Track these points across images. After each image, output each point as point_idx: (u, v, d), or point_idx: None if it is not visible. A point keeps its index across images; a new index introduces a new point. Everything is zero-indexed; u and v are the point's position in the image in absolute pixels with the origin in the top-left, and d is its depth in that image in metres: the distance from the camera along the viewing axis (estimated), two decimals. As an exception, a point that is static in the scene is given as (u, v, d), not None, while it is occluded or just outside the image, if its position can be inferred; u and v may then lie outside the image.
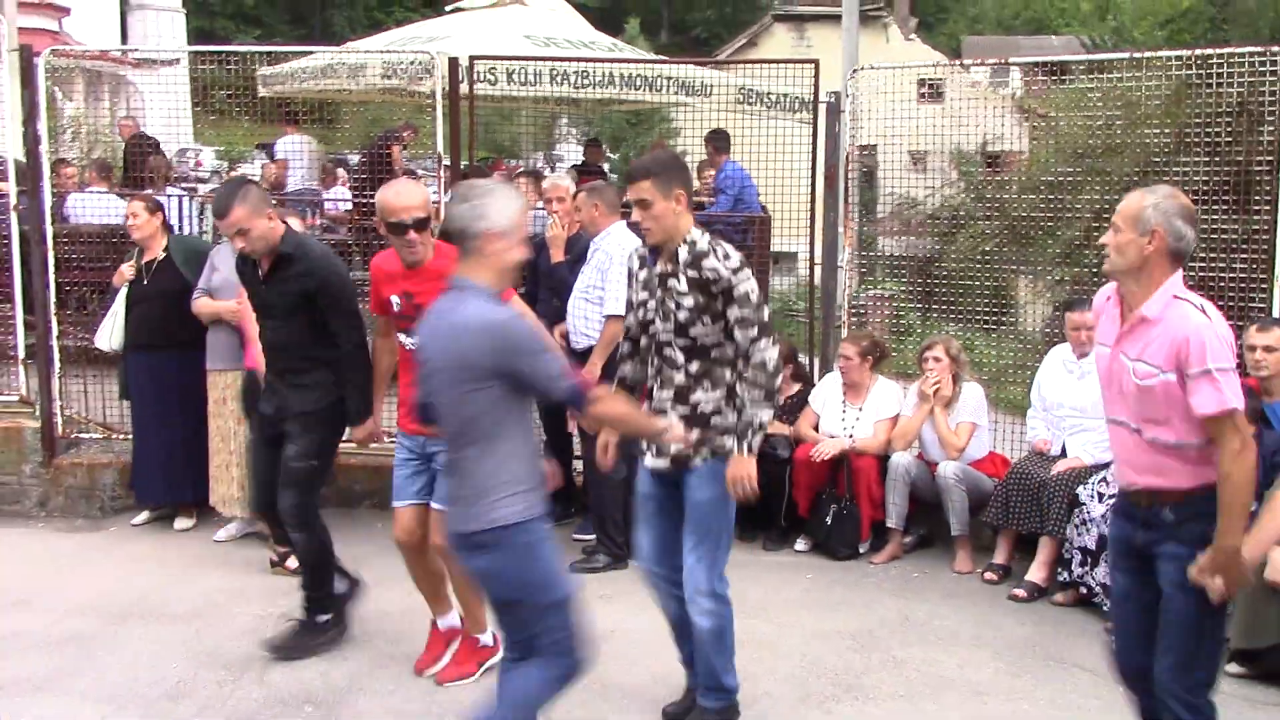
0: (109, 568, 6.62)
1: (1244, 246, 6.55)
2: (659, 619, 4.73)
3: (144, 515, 7.42)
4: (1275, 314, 6.19)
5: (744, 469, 4.25)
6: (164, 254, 7.01)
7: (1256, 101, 6.70)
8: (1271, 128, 6.54)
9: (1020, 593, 6.17)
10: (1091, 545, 5.82)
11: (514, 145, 18.62)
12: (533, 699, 3.75)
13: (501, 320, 3.59)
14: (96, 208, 9.93)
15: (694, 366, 4.32)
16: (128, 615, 5.88)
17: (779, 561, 6.80)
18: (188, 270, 6.87)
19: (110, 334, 7.16)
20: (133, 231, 7.03)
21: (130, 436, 7.41)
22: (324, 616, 5.41)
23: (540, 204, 7.61)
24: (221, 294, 6.56)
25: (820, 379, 7.51)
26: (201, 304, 6.70)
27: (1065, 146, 9.10)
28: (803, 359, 7.93)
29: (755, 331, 4.24)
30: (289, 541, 5.60)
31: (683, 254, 4.30)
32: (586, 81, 9.78)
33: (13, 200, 7.92)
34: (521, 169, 13.65)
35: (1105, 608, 5.56)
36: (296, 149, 11.48)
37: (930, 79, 9.54)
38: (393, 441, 5.38)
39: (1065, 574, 6.01)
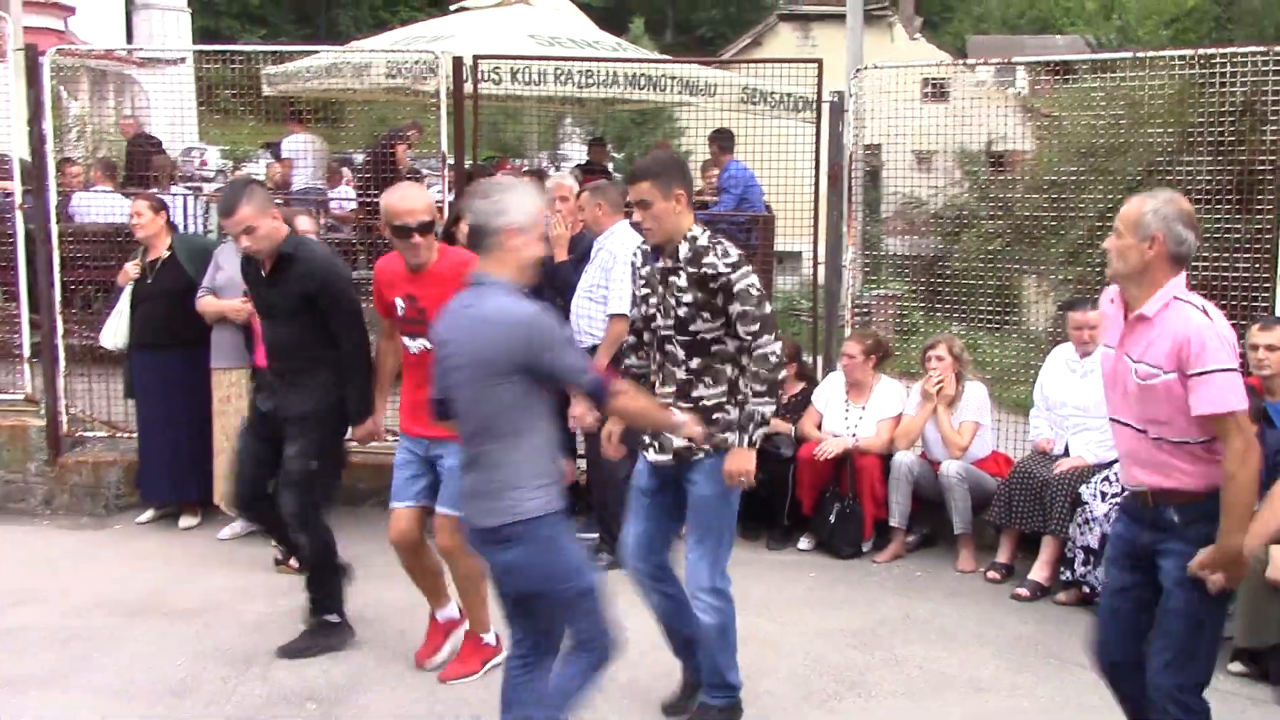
0: (114, 565, 6.65)
1: (1247, 246, 6.55)
2: (658, 617, 4.75)
3: (149, 513, 7.44)
4: (1278, 313, 6.19)
5: (743, 462, 4.27)
6: (168, 253, 7.02)
7: (1260, 101, 6.71)
8: (1275, 127, 6.54)
9: (1023, 592, 6.17)
10: (1094, 544, 5.82)
11: (519, 145, 18.65)
12: (571, 691, 3.80)
13: (527, 314, 3.62)
14: (101, 207, 9.96)
15: (695, 362, 4.34)
16: (132, 612, 5.90)
17: (782, 560, 6.81)
18: (192, 269, 6.88)
19: (115, 333, 7.18)
20: (137, 230, 7.05)
21: (135, 435, 7.43)
22: (332, 616, 5.43)
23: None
24: (226, 293, 6.57)
25: (824, 378, 7.52)
26: (206, 303, 6.71)
27: (1070, 146, 9.10)
28: (806, 358, 7.94)
29: (757, 326, 4.24)
30: (278, 537, 5.59)
31: (683, 250, 4.32)
32: (591, 81, 9.79)
33: (18, 199, 7.94)
34: (526, 168, 13.67)
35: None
36: (302, 148, 11.50)
37: (935, 78, 9.55)
38: (395, 440, 5.38)
39: (1068, 573, 6.02)
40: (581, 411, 4.57)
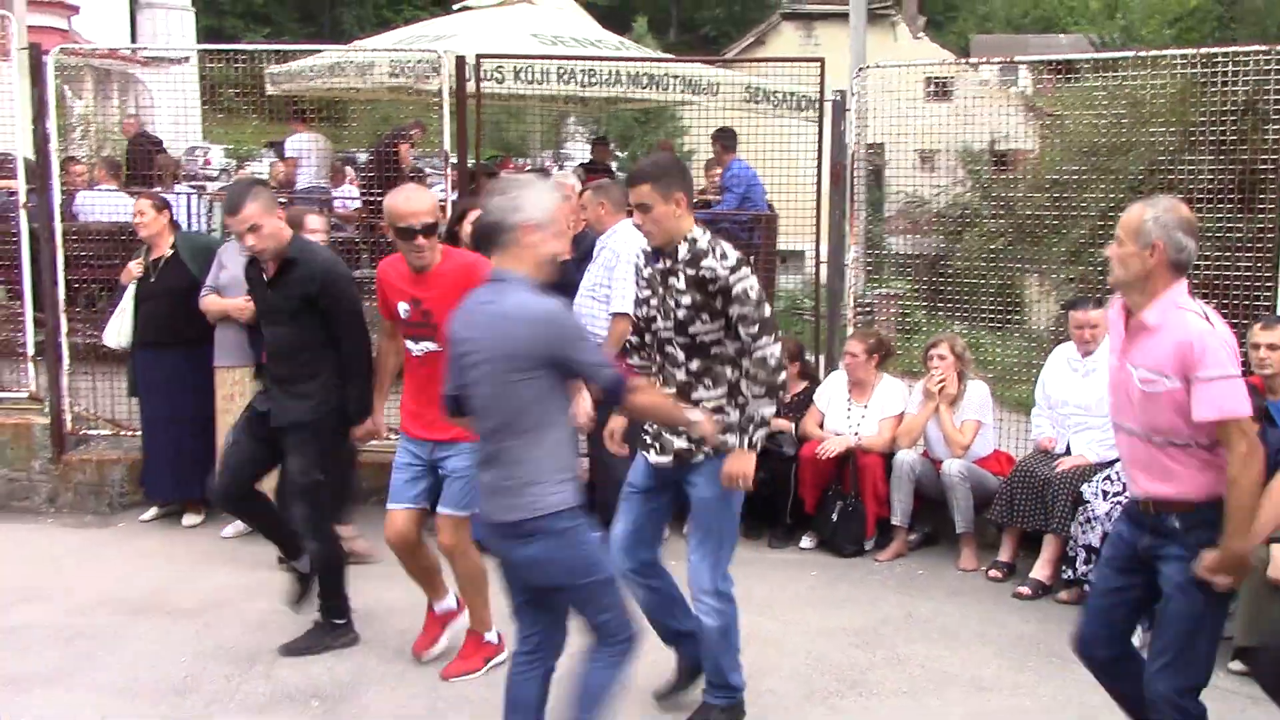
0: (117, 563, 6.66)
1: (1249, 245, 6.56)
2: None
3: (152, 511, 7.45)
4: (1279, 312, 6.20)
5: (743, 464, 4.27)
6: (171, 251, 7.03)
7: (1262, 100, 6.71)
8: (1277, 126, 6.54)
9: (1024, 590, 6.18)
10: (1096, 543, 5.82)
11: (522, 144, 18.67)
12: (605, 688, 3.82)
13: (551, 309, 3.67)
14: (105, 206, 9.98)
15: (694, 364, 4.34)
16: (136, 610, 5.91)
17: (784, 559, 6.82)
18: (195, 267, 6.90)
19: (118, 331, 7.20)
20: (140, 229, 7.06)
21: (139, 433, 7.45)
22: (341, 620, 5.45)
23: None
24: (229, 291, 6.59)
25: (826, 377, 7.52)
26: (209, 301, 6.73)
27: (1072, 145, 9.10)
28: (809, 357, 7.95)
29: (756, 328, 4.24)
30: (263, 533, 5.59)
31: (682, 252, 4.33)
32: (593, 80, 9.80)
33: (22, 198, 7.96)
34: (529, 167, 13.69)
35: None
36: (306, 147, 11.51)
37: (938, 78, 9.55)
38: (396, 439, 5.39)
39: (1069, 572, 6.02)
40: (574, 412, 4.57)
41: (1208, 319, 3.60)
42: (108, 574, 6.47)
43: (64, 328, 7.76)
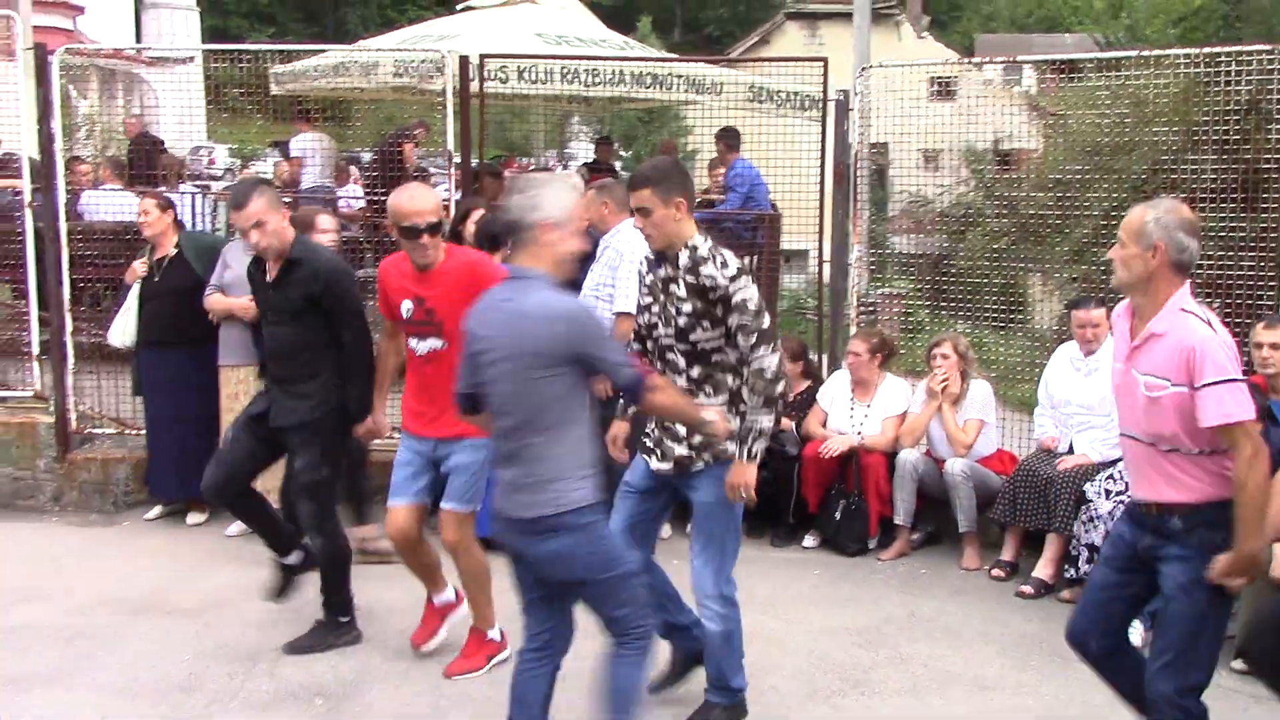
0: (122, 562, 6.68)
1: (1252, 244, 6.56)
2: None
3: (157, 510, 7.47)
4: (1282, 312, 6.20)
5: (744, 475, 4.27)
6: (175, 251, 7.05)
7: (1266, 100, 6.71)
8: (1281, 126, 6.55)
9: (1027, 589, 6.19)
10: (1098, 542, 5.83)
11: (526, 143, 18.69)
12: (635, 688, 3.84)
13: (574, 307, 3.71)
14: (110, 205, 10.00)
15: (695, 371, 4.34)
16: (140, 609, 5.93)
17: (787, 558, 6.83)
18: (199, 266, 6.91)
19: (123, 330, 7.22)
20: (144, 229, 7.08)
21: (143, 432, 7.47)
22: (345, 617, 5.47)
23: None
24: (233, 290, 6.60)
25: (829, 376, 7.53)
26: (214, 300, 6.74)
27: (1075, 145, 9.10)
28: (812, 356, 7.95)
29: (754, 339, 4.23)
30: (255, 529, 5.60)
31: (683, 259, 4.32)
32: (597, 80, 9.80)
33: (27, 197, 7.98)
34: (533, 167, 13.70)
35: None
36: (310, 147, 11.53)
37: (942, 77, 9.56)
38: (398, 438, 5.40)
39: (1072, 570, 6.02)
40: None
41: (1210, 325, 3.62)
42: (112, 572, 6.48)
43: (69, 327, 7.78)
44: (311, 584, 5.52)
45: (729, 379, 4.35)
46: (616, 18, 26.16)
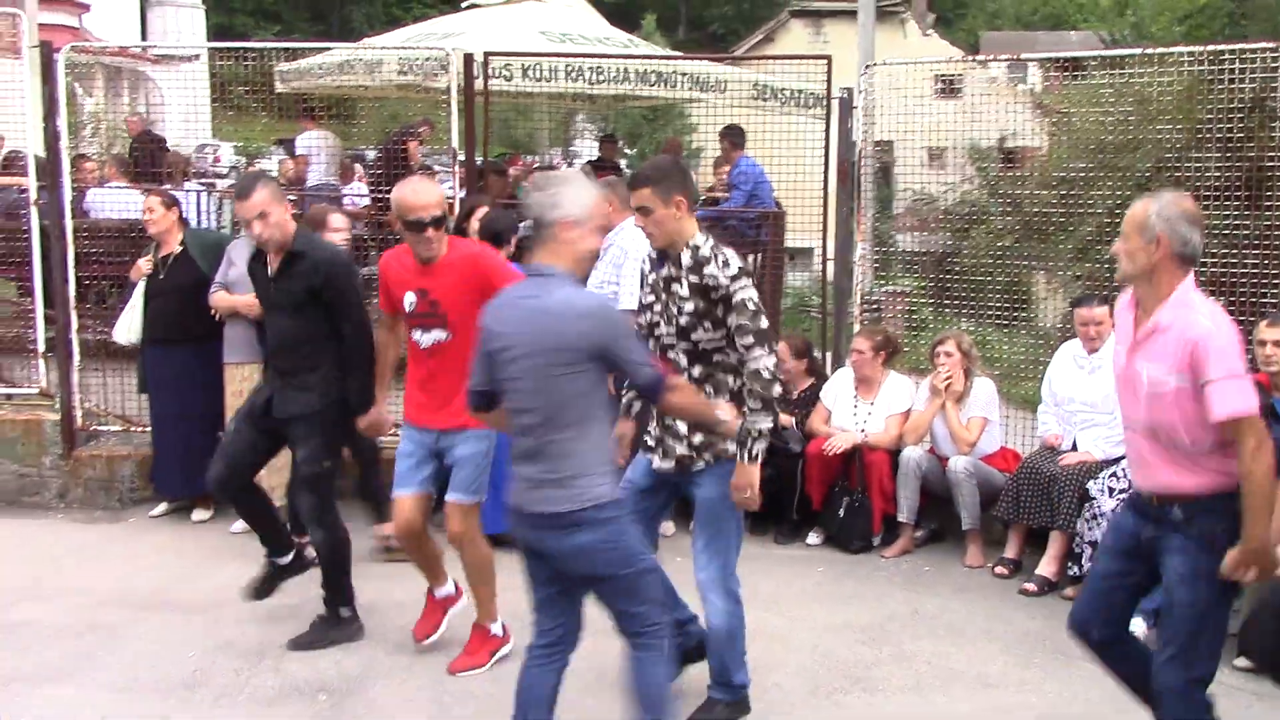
0: (127, 559, 6.70)
1: (1256, 242, 6.56)
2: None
3: (162, 507, 7.49)
4: (1286, 309, 6.19)
5: (747, 477, 4.28)
6: (180, 248, 7.06)
7: (1270, 97, 6.71)
8: (1285, 124, 6.55)
9: (1030, 587, 6.19)
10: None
11: (530, 141, 18.69)
12: (662, 682, 3.86)
13: (600, 303, 3.78)
14: (116, 203, 10.02)
15: (696, 371, 4.35)
16: (145, 605, 5.95)
17: (790, 555, 6.83)
18: (204, 264, 6.93)
19: (128, 328, 7.23)
20: (149, 226, 7.09)
21: (148, 429, 7.49)
22: (347, 611, 5.49)
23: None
24: (238, 288, 6.62)
25: (833, 374, 7.53)
26: (219, 298, 6.76)
27: (1080, 143, 9.10)
28: (816, 354, 7.95)
29: (751, 339, 4.23)
30: (253, 525, 5.63)
31: (685, 259, 4.34)
32: (601, 78, 9.81)
33: (33, 195, 8.00)
34: (537, 165, 13.71)
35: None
36: (316, 145, 11.55)
37: (947, 75, 9.55)
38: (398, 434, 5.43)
39: (1075, 568, 6.03)
40: None
41: (1214, 318, 3.64)
42: (117, 569, 6.50)
43: (74, 324, 7.80)
44: (312, 581, 5.53)
45: (730, 379, 4.36)
46: (621, 15, 26.12)
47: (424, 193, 4.86)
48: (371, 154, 12.79)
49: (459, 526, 4.98)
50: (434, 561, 5.29)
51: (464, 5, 12.54)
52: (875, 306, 8.05)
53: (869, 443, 6.85)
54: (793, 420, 7.11)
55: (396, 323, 5.16)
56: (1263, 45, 6.66)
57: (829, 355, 8.09)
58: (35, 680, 5.08)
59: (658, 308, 4.44)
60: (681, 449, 4.40)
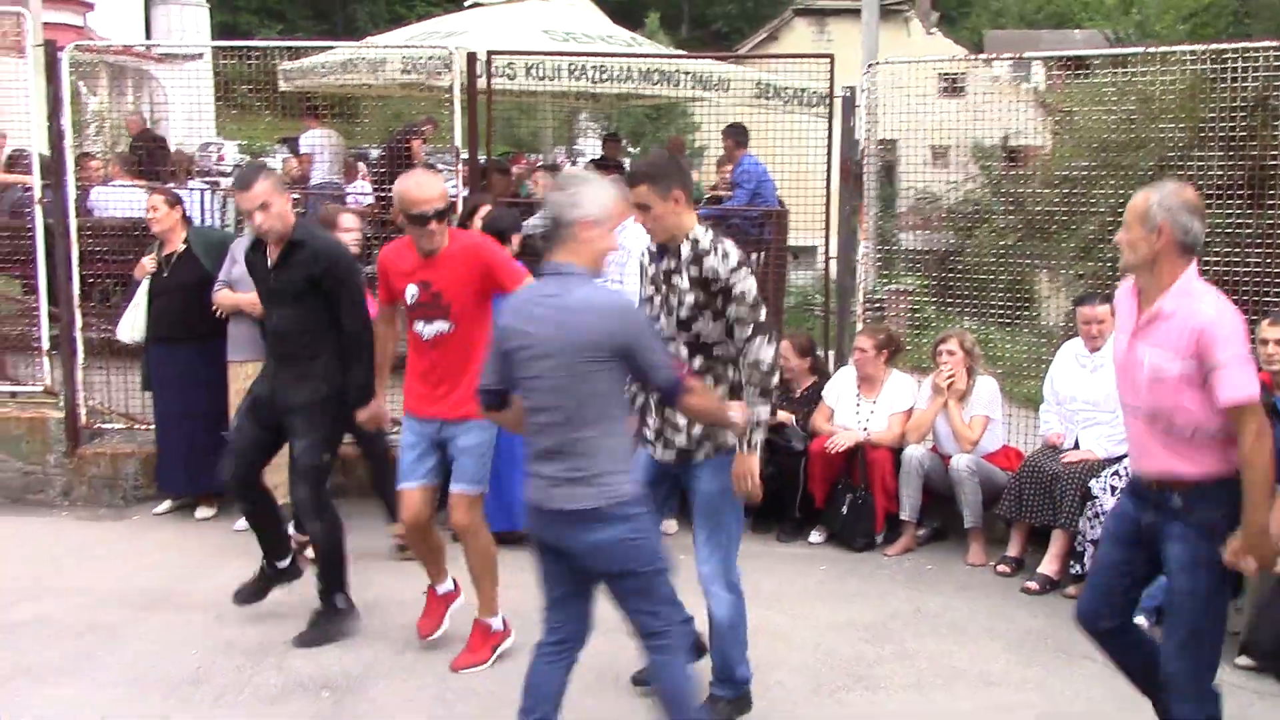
0: (130, 557, 6.71)
1: (1259, 241, 6.56)
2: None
3: (166, 504, 7.51)
4: (1290, 308, 6.20)
5: (747, 466, 4.30)
6: (184, 246, 7.08)
7: (1273, 96, 6.71)
8: (1288, 122, 6.55)
9: (1032, 585, 6.19)
10: (1104, 538, 5.84)
11: (534, 140, 18.70)
12: (687, 680, 3.87)
13: (623, 301, 3.78)
14: (121, 201, 10.04)
15: (697, 363, 4.37)
16: (149, 603, 5.96)
17: (793, 553, 6.84)
18: (208, 262, 6.95)
19: (132, 326, 7.25)
20: (153, 225, 7.11)
21: (152, 427, 7.50)
22: (344, 603, 5.50)
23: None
24: (242, 286, 6.61)
25: (836, 372, 7.54)
26: (222, 296, 6.77)
27: (1083, 141, 9.10)
28: (819, 352, 7.96)
29: (750, 330, 4.27)
30: (258, 527, 5.65)
31: (685, 251, 4.36)
32: (605, 76, 9.82)
33: (37, 194, 8.01)
34: (541, 163, 13.72)
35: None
36: (319, 143, 11.56)
37: (951, 74, 9.55)
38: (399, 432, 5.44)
39: (1077, 566, 6.03)
40: None
41: (1219, 303, 3.68)
42: (121, 567, 6.52)
43: (78, 322, 7.81)
44: (312, 580, 5.56)
45: (729, 371, 4.40)
46: (624, 14, 26.13)
47: (427, 186, 4.88)
48: (375, 152, 12.81)
49: (464, 518, 5.00)
50: (438, 556, 5.31)
51: (467, 4, 12.56)
52: (878, 305, 8.06)
53: (871, 441, 6.85)
54: (793, 418, 7.12)
55: (395, 315, 5.18)
56: (1266, 44, 6.65)
57: (832, 354, 8.10)
58: (38, 677, 5.09)
59: (657, 300, 4.45)
60: (681, 440, 4.42)
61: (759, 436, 4.31)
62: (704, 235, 4.37)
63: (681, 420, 4.37)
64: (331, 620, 5.45)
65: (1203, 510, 3.69)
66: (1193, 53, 7.31)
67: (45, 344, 8.09)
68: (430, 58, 9.08)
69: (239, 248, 6.76)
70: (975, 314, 7.81)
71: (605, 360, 3.62)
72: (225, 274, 6.78)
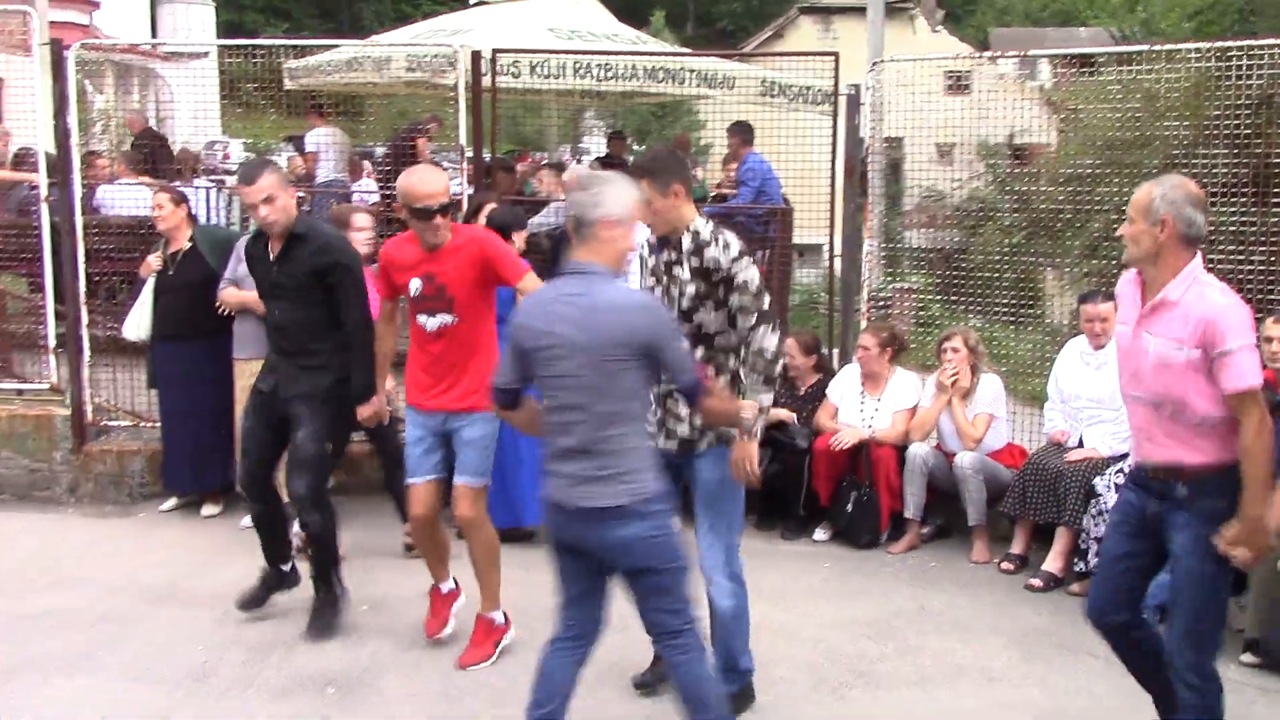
0: (137, 553, 6.73)
1: (1264, 239, 6.56)
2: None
3: (172, 501, 7.53)
4: (1294, 306, 6.20)
5: (745, 451, 4.32)
6: (189, 245, 7.10)
7: (1278, 94, 6.70)
8: (1292, 121, 6.55)
9: (1036, 582, 6.20)
10: (1107, 536, 5.84)
11: (539, 138, 18.71)
12: (706, 678, 3.88)
13: (648, 300, 3.86)
14: (126, 199, 10.05)
15: (698, 353, 4.39)
16: (155, 599, 5.98)
17: (797, 551, 6.84)
18: (213, 260, 6.96)
19: (138, 324, 7.27)
20: (158, 223, 7.13)
21: (158, 424, 7.52)
22: (339, 588, 5.54)
23: (562, 196, 7.67)
24: (247, 284, 6.60)
25: (840, 370, 7.54)
26: (228, 294, 6.79)
27: (1088, 139, 9.10)
28: (824, 350, 7.96)
29: (754, 319, 4.32)
30: (264, 519, 5.66)
31: (686, 242, 4.39)
32: (610, 74, 9.83)
33: (44, 192, 8.04)
34: (546, 161, 13.72)
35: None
36: (325, 142, 11.58)
37: (957, 71, 9.56)
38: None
39: (1081, 564, 6.04)
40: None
41: (1225, 293, 3.72)
42: (127, 563, 6.54)
43: (84, 320, 7.83)
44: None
45: (730, 361, 4.43)
46: (629, 12, 26.09)
47: (431, 181, 4.90)
48: (380, 150, 12.83)
49: (469, 510, 5.02)
50: (443, 552, 5.33)
51: (472, 2, 12.60)
52: (883, 303, 8.06)
53: (876, 439, 6.86)
54: (793, 417, 7.12)
55: (395, 312, 5.20)
56: (1270, 42, 6.66)
57: (836, 352, 8.10)
58: (44, 672, 5.11)
59: (658, 292, 4.48)
60: (684, 430, 4.44)
61: (759, 424, 4.33)
62: (704, 226, 4.41)
63: (683, 410, 4.39)
64: (332, 603, 5.49)
65: (1208, 499, 3.73)
66: (1198, 51, 7.30)
67: (51, 341, 8.11)
68: (435, 56, 9.09)
69: (244, 245, 6.79)
70: (981, 312, 7.82)
71: (630, 359, 3.64)
72: (231, 272, 6.80)
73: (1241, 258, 6.49)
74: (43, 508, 7.66)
